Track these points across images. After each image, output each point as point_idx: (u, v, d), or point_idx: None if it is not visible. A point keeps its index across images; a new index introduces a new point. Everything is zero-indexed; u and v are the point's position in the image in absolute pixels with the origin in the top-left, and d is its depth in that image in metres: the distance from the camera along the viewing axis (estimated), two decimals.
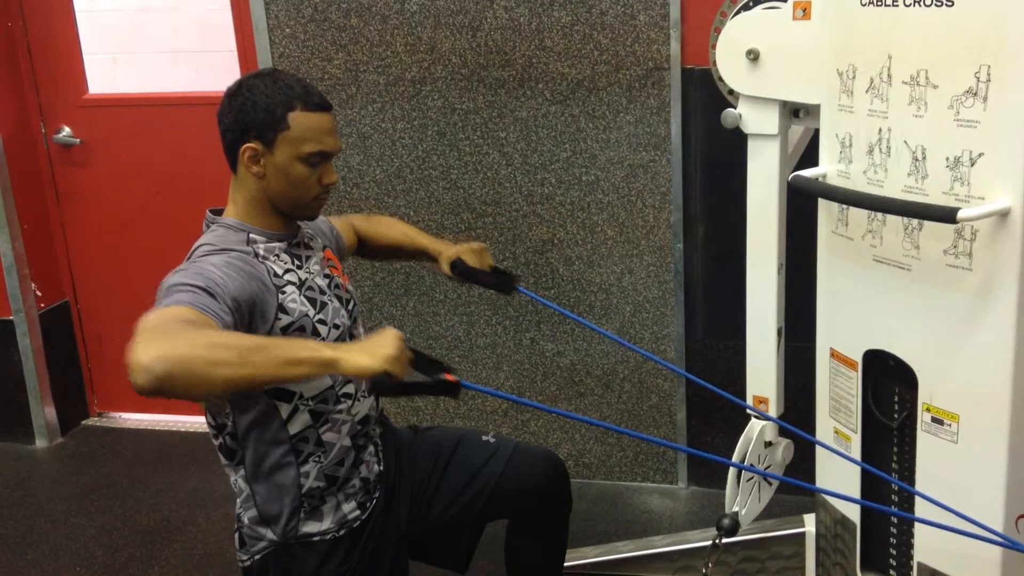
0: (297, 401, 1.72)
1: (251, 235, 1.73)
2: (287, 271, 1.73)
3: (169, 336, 1.33)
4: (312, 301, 1.73)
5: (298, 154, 1.69)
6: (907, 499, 1.84)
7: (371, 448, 1.86)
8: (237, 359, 1.32)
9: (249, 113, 1.68)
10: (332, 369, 1.40)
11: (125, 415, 3.68)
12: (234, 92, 1.72)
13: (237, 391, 1.39)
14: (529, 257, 2.93)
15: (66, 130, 3.38)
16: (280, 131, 1.68)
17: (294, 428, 1.73)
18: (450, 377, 1.48)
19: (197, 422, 3.54)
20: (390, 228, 2.22)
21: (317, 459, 1.76)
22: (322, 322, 1.73)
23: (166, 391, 1.30)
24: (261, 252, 1.72)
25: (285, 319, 1.67)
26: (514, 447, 2.02)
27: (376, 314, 3.07)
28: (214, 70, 3.24)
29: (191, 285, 1.52)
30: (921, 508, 1.77)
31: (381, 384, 1.42)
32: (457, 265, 2.06)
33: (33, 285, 3.42)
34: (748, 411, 2.13)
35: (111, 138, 3.37)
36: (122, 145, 3.37)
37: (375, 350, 1.41)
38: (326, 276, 1.83)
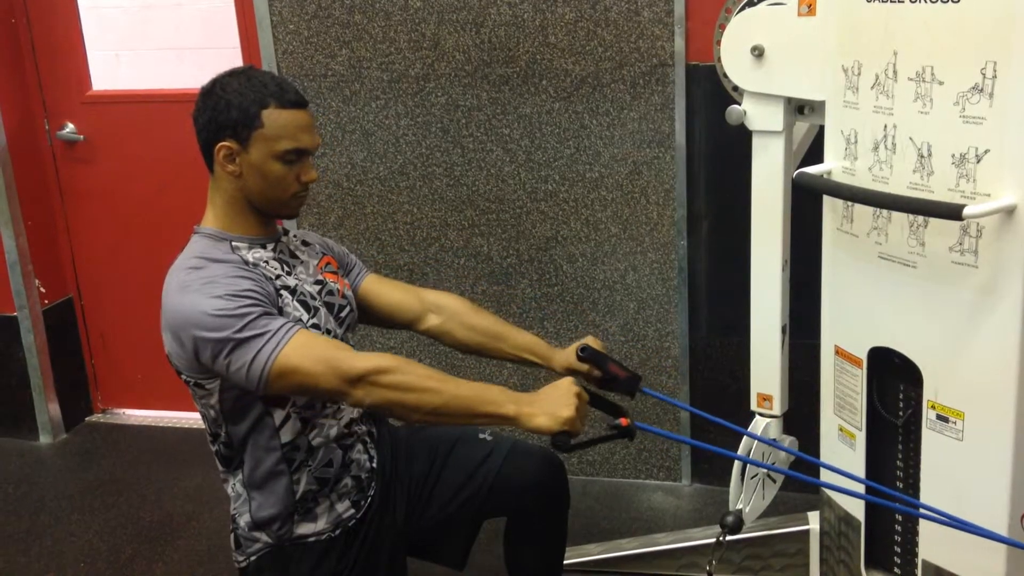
0: (289, 408, 1.72)
1: (233, 243, 1.73)
2: (277, 277, 1.73)
3: (382, 378, 1.52)
4: (305, 306, 1.73)
5: (273, 152, 1.68)
6: (913, 494, 1.83)
7: (359, 446, 1.86)
8: (433, 409, 1.51)
9: (223, 112, 1.67)
10: (511, 425, 1.49)
11: (129, 412, 3.68)
12: (208, 91, 1.71)
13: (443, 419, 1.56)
14: (533, 254, 2.93)
15: (69, 127, 3.38)
16: (255, 129, 1.66)
17: (286, 436, 1.73)
18: (624, 421, 1.52)
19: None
20: (495, 319, 2.07)
21: (307, 464, 1.76)
22: (316, 327, 1.73)
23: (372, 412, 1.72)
24: (250, 260, 1.71)
25: None
26: (511, 445, 2.02)
27: None
28: (217, 67, 3.21)
29: (260, 315, 1.58)
30: (927, 502, 1.77)
31: (561, 444, 1.47)
32: (586, 349, 1.93)
33: (37, 282, 3.42)
34: (752, 415, 2.13)
35: (114, 135, 3.37)
36: (125, 142, 3.37)
37: (556, 412, 1.48)
38: (317, 282, 1.82)
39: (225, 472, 1.80)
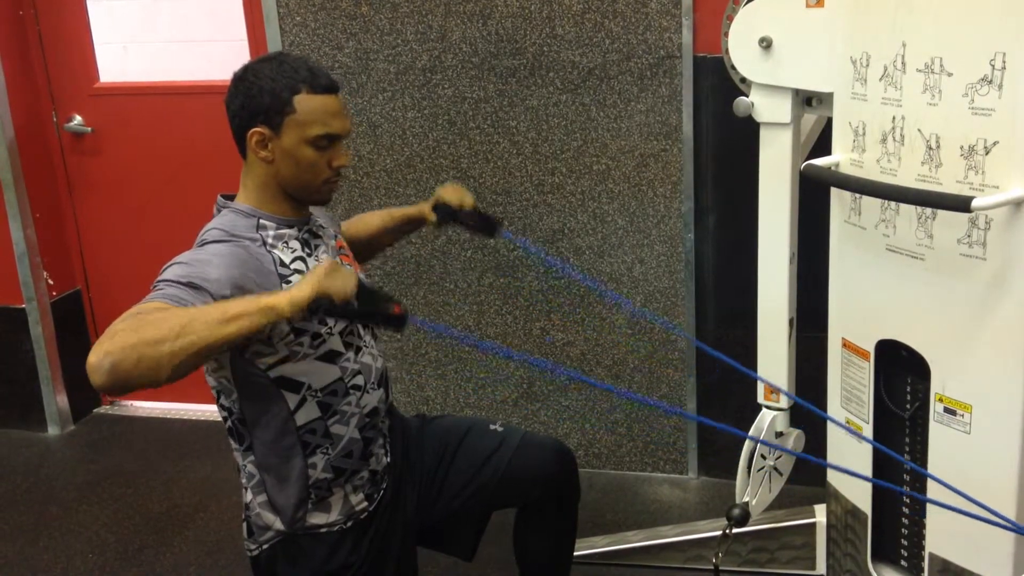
0: (305, 392, 1.71)
1: (261, 220, 1.72)
2: (295, 259, 1.72)
3: (119, 333, 1.38)
4: None
5: (305, 137, 1.68)
6: (920, 488, 1.83)
7: (380, 440, 1.86)
8: (177, 332, 1.36)
9: (255, 97, 1.67)
10: (273, 313, 1.40)
11: (137, 403, 3.69)
12: (240, 77, 1.71)
13: (191, 364, 1.39)
14: (539, 247, 2.92)
15: (77, 119, 3.39)
16: (287, 115, 1.67)
17: (301, 419, 1.73)
18: (396, 309, 1.46)
19: (208, 410, 3.55)
20: (371, 218, 2.19)
21: (325, 451, 1.76)
22: None
23: (122, 381, 1.38)
24: (270, 240, 1.71)
25: None
26: (522, 436, 2.02)
27: None
28: (225, 59, 3.23)
29: (175, 282, 1.54)
30: (934, 497, 1.77)
31: (318, 305, 1.39)
32: (439, 208, 2.02)
33: (45, 273, 3.43)
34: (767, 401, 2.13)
35: (122, 127, 3.37)
36: (133, 134, 3.37)
37: (310, 279, 1.42)
38: None
39: (238, 451, 1.79)
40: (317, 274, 1.43)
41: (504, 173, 2.89)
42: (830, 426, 1.98)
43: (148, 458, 3.29)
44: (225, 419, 1.78)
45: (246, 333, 1.42)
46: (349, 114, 1.83)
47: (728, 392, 2.89)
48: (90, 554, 2.76)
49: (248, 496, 1.81)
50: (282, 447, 1.74)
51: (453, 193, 2.07)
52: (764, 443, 2.10)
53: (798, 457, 2.22)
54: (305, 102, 1.67)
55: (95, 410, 3.66)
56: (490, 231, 2.03)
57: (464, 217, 2.03)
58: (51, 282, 3.45)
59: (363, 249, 2.16)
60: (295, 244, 1.75)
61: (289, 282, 1.68)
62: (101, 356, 1.36)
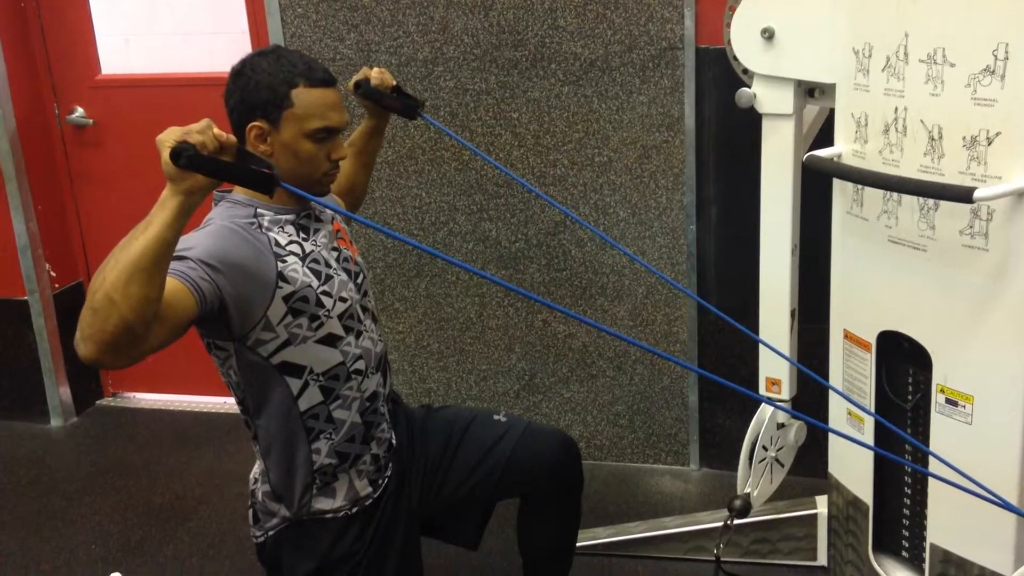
0: (307, 376, 1.73)
1: (258, 210, 1.74)
2: (291, 242, 1.73)
3: None
4: (316, 273, 1.74)
5: (303, 131, 1.69)
6: (921, 480, 1.83)
7: (383, 425, 1.87)
8: (108, 267, 1.39)
9: (253, 92, 1.68)
10: (170, 197, 1.37)
11: (139, 395, 3.70)
12: (238, 71, 1.72)
13: (143, 284, 1.37)
14: (541, 239, 2.93)
15: (79, 111, 3.39)
16: (284, 108, 1.68)
17: (304, 404, 1.74)
18: (268, 171, 1.42)
19: (210, 402, 3.56)
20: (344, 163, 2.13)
21: (328, 436, 1.77)
22: (327, 294, 1.74)
23: (99, 340, 1.41)
24: (265, 224, 1.72)
25: (287, 287, 1.68)
26: (526, 426, 2.03)
27: (388, 295, 3.08)
28: (226, 51, 3.22)
29: (195, 265, 1.55)
30: (935, 491, 1.77)
31: (179, 152, 1.35)
32: (360, 85, 1.98)
33: (47, 266, 3.43)
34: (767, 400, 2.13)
35: (124, 119, 3.37)
36: (135, 126, 3.37)
37: (179, 131, 1.38)
38: (334, 249, 1.83)
39: (251, 439, 1.82)
40: (186, 129, 1.38)
41: (506, 165, 2.89)
42: (832, 417, 1.99)
43: (150, 450, 3.29)
44: (242, 412, 1.81)
45: (170, 226, 1.38)
46: (346, 107, 1.83)
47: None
48: (93, 545, 2.77)
49: (254, 483, 1.83)
50: (286, 433, 1.76)
51: (375, 73, 2.00)
52: (800, 417, 2.10)
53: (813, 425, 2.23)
54: (303, 96, 1.68)
55: (97, 402, 3.67)
56: (411, 113, 2.03)
57: (387, 100, 2.01)
58: (53, 274, 3.46)
59: (356, 181, 2.14)
60: (291, 229, 1.76)
61: (285, 261, 1.69)
62: (91, 296, 1.41)
